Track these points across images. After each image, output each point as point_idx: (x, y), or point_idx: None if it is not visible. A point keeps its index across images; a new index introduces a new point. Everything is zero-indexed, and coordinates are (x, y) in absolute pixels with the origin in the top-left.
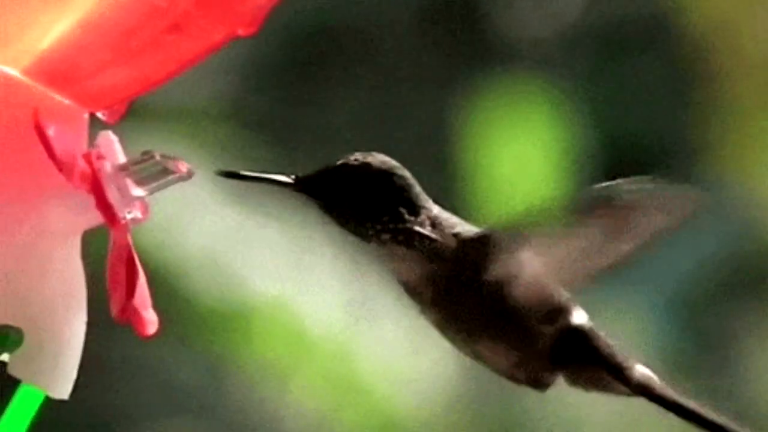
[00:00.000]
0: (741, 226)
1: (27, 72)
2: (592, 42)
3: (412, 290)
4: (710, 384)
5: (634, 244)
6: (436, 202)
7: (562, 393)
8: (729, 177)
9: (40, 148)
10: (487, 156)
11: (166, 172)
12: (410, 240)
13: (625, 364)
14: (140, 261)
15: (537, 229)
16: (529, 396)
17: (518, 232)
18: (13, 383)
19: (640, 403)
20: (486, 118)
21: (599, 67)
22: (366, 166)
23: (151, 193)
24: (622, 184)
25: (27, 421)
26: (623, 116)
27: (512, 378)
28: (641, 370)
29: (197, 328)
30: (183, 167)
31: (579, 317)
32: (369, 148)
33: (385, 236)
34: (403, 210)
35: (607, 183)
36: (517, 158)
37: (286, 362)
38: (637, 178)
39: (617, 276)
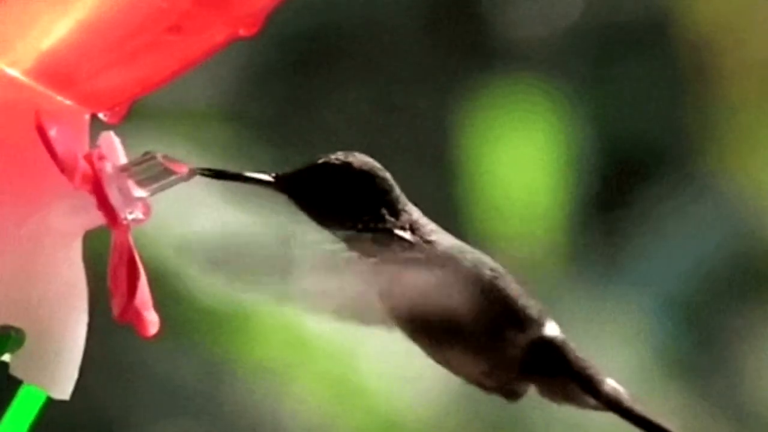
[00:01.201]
0: (741, 226)
1: (28, 73)
2: (592, 42)
3: (384, 293)
4: (710, 384)
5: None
6: (436, 202)
7: None
8: (729, 176)
9: (42, 149)
10: (487, 156)
11: (167, 172)
12: (389, 242)
13: (595, 378)
14: (141, 261)
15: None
16: (528, 396)
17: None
18: (15, 383)
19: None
20: (486, 118)
21: (599, 67)
22: (347, 166)
23: (153, 193)
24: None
25: (28, 421)
26: (623, 116)
27: (481, 386)
28: (611, 384)
29: (197, 329)
30: (184, 168)
31: (551, 329)
32: (368, 149)
33: (365, 236)
34: (383, 211)
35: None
36: (517, 159)
37: (286, 362)
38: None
39: (617, 276)
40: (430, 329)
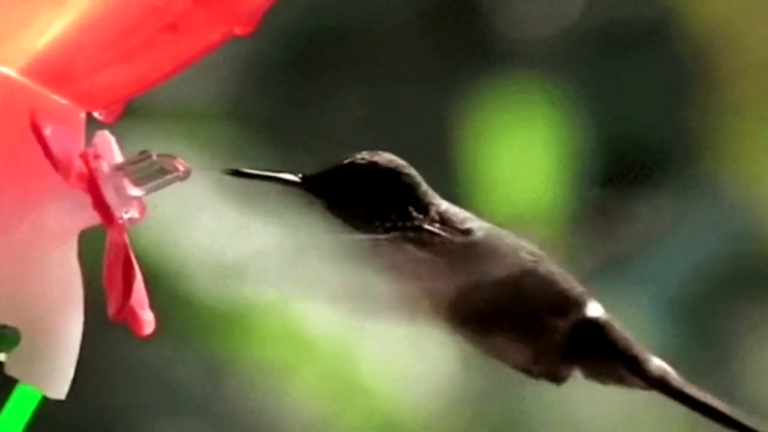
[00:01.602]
0: (741, 226)
1: (24, 72)
2: (592, 42)
3: (423, 288)
4: (710, 384)
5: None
6: None
7: (562, 393)
8: (729, 177)
9: (37, 147)
10: (487, 156)
11: (163, 171)
12: (420, 237)
13: (641, 357)
14: (139, 261)
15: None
16: (529, 396)
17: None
18: (10, 383)
19: (641, 402)
20: (486, 118)
21: (599, 67)
22: (373, 165)
23: (149, 192)
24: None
25: (24, 421)
26: (623, 116)
27: (528, 372)
28: (657, 363)
29: (197, 328)
30: (180, 166)
31: (594, 310)
32: (369, 148)
33: (395, 234)
34: (411, 208)
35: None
36: (517, 158)
37: (286, 362)
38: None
39: (617, 276)
40: (474, 319)
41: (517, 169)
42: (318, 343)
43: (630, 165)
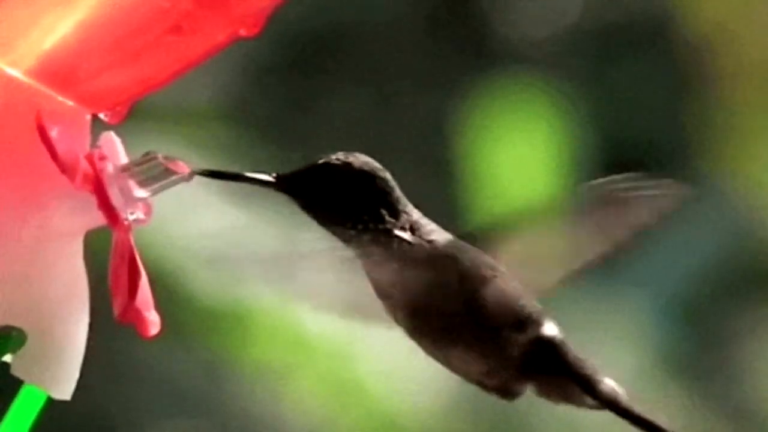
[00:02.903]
0: (741, 226)
1: (29, 73)
2: (592, 42)
3: (384, 293)
4: (710, 384)
5: (622, 238)
6: (435, 202)
7: None
8: (729, 177)
9: (43, 149)
10: (487, 156)
11: (168, 172)
12: (389, 242)
13: (594, 377)
14: (142, 261)
15: (527, 225)
16: (528, 396)
17: (494, 236)
18: (16, 383)
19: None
20: (486, 118)
21: (599, 67)
22: (348, 166)
23: (154, 194)
24: (612, 181)
25: (29, 422)
26: (623, 116)
27: (481, 385)
28: (609, 384)
29: (197, 328)
30: (185, 168)
31: (550, 329)
32: (368, 149)
33: (366, 236)
34: (383, 211)
35: (598, 180)
36: (517, 158)
37: (286, 362)
38: (623, 175)
39: (617, 276)
40: (430, 328)
41: (516, 169)
42: (318, 344)
43: (630, 165)
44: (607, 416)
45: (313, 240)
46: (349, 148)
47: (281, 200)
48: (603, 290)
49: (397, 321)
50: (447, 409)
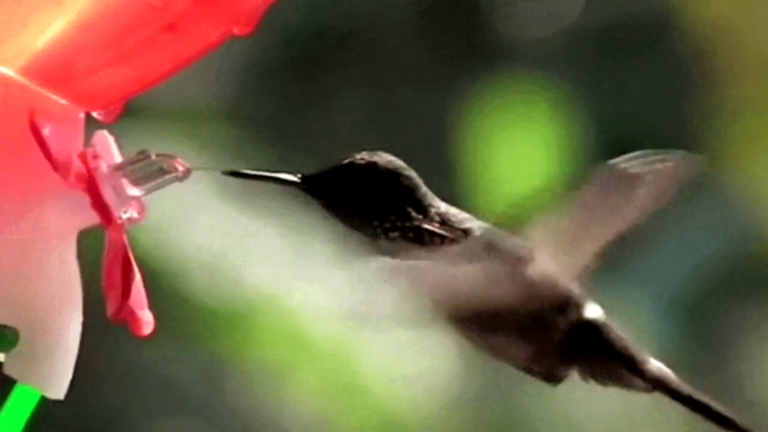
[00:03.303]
0: (741, 226)
1: (23, 72)
2: (592, 42)
3: (424, 288)
4: (710, 384)
5: (637, 216)
6: None
7: (562, 392)
8: (729, 177)
9: (36, 147)
10: (487, 156)
11: (162, 171)
12: (420, 237)
13: (640, 358)
14: (139, 261)
15: (547, 212)
16: (529, 396)
17: (527, 218)
18: (9, 383)
19: (641, 403)
20: (486, 117)
21: (599, 67)
22: (372, 166)
23: (148, 192)
24: (623, 161)
25: (23, 421)
26: (623, 116)
27: (528, 371)
28: (656, 365)
29: (196, 328)
30: (179, 166)
31: (592, 311)
32: (369, 148)
33: (394, 234)
34: (410, 209)
35: (609, 162)
36: (517, 158)
37: (286, 362)
38: (637, 153)
39: (617, 276)
40: (474, 319)
41: (517, 169)
42: (318, 343)
43: None
44: (608, 415)
45: (313, 239)
46: (349, 148)
47: (282, 200)
48: (603, 290)
49: (440, 314)
50: (447, 409)
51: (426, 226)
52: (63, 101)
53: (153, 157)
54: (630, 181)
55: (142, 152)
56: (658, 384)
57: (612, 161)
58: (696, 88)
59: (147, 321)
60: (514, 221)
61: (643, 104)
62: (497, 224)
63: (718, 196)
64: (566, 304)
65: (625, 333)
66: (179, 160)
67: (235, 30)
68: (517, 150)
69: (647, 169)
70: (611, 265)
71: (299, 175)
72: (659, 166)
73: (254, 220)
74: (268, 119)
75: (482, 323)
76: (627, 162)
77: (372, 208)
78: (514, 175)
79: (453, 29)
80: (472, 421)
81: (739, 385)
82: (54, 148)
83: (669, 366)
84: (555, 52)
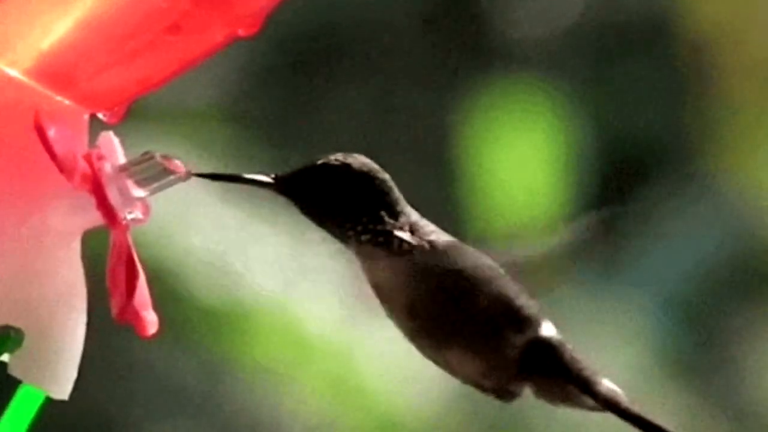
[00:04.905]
0: (741, 226)
1: (28, 73)
2: (592, 42)
3: (384, 294)
4: (710, 384)
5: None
6: (435, 202)
7: None
8: (729, 176)
9: (41, 149)
10: (487, 157)
11: (166, 172)
12: (389, 243)
13: (592, 378)
14: (140, 261)
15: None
16: (528, 396)
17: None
18: (14, 383)
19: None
20: (486, 118)
21: (599, 67)
22: (346, 167)
23: (152, 193)
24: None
25: (27, 421)
26: (623, 116)
27: (478, 387)
28: (608, 385)
29: (197, 329)
30: (181, 168)
31: (548, 329)
32: (368, 148)
33: (365, 237)
34: (382, 212)
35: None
36: (517, 159)
37: (286, 362)
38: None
39: (617, 276)
40: (429, 329)
41: (517, 170)
42: (318, 344)
43: (630, 165)
44: (607, 417)
45: (314, 239)
46: (349, 148)
47: (281, 200)
48: (603, 290)
49: (395, 321)
50: (447, 408)
51: (397, 232)
52: (68, 102)
53: (157, 158)
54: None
55: (146, 153)
56: (608, 405)
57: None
58: (696, 88)
59: (151, 321)
60: (519, 222)
61: (643, 104)
62: (477, 237)
63: (718, 196)
64: (524, 322)
65: (578, 353)
66: (179, 162)
67: (240, 31)
68: (517, 150)
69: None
70: (611, 265)
71: (273, 176)
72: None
73: (254, 220)
74: (268, 119)
75: (437, 335)
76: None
77: (344, 210)
78: (514, 175)
79: (453, 29)
80: (472, 421)
81: (739, 385)
82: (59, 149)
83: (669, 366)
84: (555, 52)
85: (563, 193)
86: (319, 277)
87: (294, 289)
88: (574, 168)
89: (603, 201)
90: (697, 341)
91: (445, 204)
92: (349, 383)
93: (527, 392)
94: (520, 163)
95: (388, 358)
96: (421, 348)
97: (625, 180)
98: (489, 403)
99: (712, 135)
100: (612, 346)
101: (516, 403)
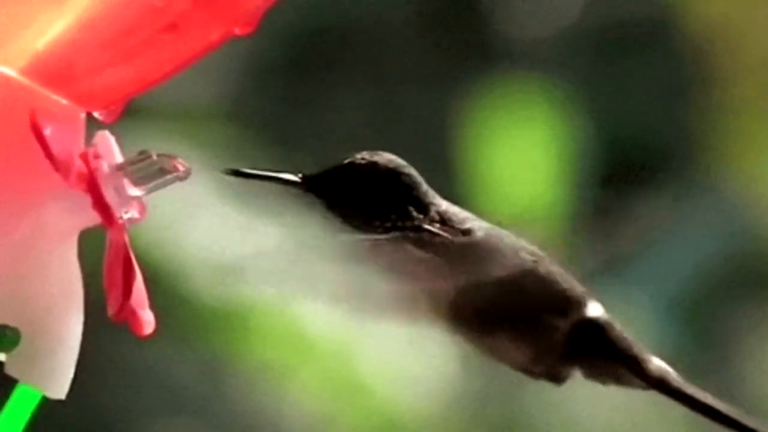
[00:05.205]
0: (741, 226)
1: (24, 72)
2: (592, 42)
3: (422, 288)
4: (710, 384)
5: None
6: None
7: (563, 392)
8: (729, 177)
9: (37, 147)
10: (487, 156)
11: (163, 171)
12: (420, 237)
13: (641, 357)
14: (139, 260)
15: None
16: (529, 395)
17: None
18: (10, 383)
19: (641, 402)
20: (486, 118)
21: (599, 67)
22: (373, 165)
23: (149, 192)
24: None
25: (24, 421)
26: (623, 116)
27: (528, 372)
28: (657, 364)
29: (197, 328)
30: (180, 166)
31: (594, 310)
32: (369, 148)
33: (395, 234)
34: (411, 208)
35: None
36: (517, 158)
37: (286, 362)
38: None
39: (617, 276)
40: (474, 319)
41: (517, 169)
42: (318, 343)
43: (630, 165)
44: (608, 415)
45: (313, 240)
46: (350, 148)
47: (282, 200)
48: (603, 290)
49: (439, 314)
50: (447, 409)
51: (426, 226)
52: (64, 101)
53: (154, 157)
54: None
55: (143, 152)
56: (658, 383)
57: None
58: (696, 88)
59: (148, 321)
60: (519, 222)
61: (643, 104)
62: (502, 225)
63: (718, 196)
64: (568, 304)
65: (627, 332)
66: (180, 160)
67: (236, 30)
68: (517, 150)
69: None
70: (611, 265)
71: (300, 175)
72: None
73: (254, 220)
74: (268, 119)
75: (481, 324)
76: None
77: (373, 208)
78: (514, 175)
79: (453, 29)
80: (472, 421)
81: (739, 385)
82: (55, 148)
83: (669, 366)
84: (555, 52)
85: (563, 193)
86: (319, 277)
87: (294, 289)
88: (574, 168)
89: (603, 201)
90: (697, 341)
91: (446, 202)
92: (349, 383)
93: (532, 390)
94: (520, 162)
95: (388, 358)
96: (467, 338)
97: (624, 180)
98: (489, 403)
99: (713, 135)
100: None
101: (516, 403)
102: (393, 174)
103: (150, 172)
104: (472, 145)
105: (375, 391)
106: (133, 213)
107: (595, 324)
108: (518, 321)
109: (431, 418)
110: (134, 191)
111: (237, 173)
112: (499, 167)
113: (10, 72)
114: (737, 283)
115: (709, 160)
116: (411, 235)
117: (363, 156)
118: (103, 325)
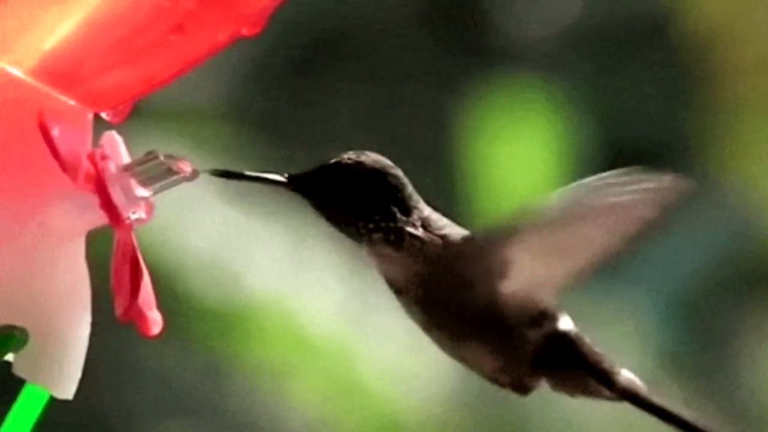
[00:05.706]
0: (741, 226)
1: (31, 72)
2: (592, 42)
3: (399, 290)
4: (710, 384)
5: (624, 238)
6: (436, 201)
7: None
8: (729, 177)
9: (45, 148)
10: (487, 156)
11: (170, 172)
12: (400, 240)
13: (610, 369)
14: (143, 261)
15: (526, 224)
16: (529, 396)
17: (506, 230)
18: (18, 383)
19: None
20: (486, 117)
21: (599, 67)
22: (359, 165)
23: (156, 193)
24: (610, 177)
25: (32, 421)
26: (623, 116)
27: (495, 381)
28: (627, 375)
29: (197, 328)
30: (187, 167)
31: (565, 323)
32: (369, 148)
33: (376, 235)
34: (395, 209)
35: (595, 177)
36: (517, 158)
37: (286, 362)
38: (624, 170)
39: (617, 276)
40: (444, 324)
41: (517, 169)
42: (318, 343)
43: (630, 165)
44: (608, 414)
45: (314, 239)
46: (349, 148)
47: (281, 201)
48: (603, 290)
49: (412, 316)
50: (447, 408)
51: (408, 228)
52: (71, 102)
53: (161, 157)
54: (614, 199)
55: (150, 153)
56: (627, 395)
57: (594, 178)
58: (696, 88)
59: (156, 321)
60: (499, 229)
61: (643, 104)
62: (484, 231)
63: (718, 196)
64: (540, 317)
65: (596, 345)
66: (185, 161)
67: (244, 30)
68: (517, 150)
69: (629, 198)
70: (611, 265)
71: (286, 175)
72: (644, 185)
73: (254, 220)
74: (268, 119)
75: (453, 330)
76: (614, 178)
77: (357, 208)
78: (514, 175)
79: (453, 29)
80: (472, 421)
81: (739, 385)
82: (63, 148)
83: (669, 366)
84: (555, 52)
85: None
86: (319, 277)
87: (294, 289)
88: (574, 167)
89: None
90: (697, 341)
91: (445, 204)
92: (350, 382)
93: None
94: (520, 162)
95: (388, 358)
96: (437, 342)
97: None
98: (489, 403)
99: (713, 135)
100: (612, 346)
101: (516, 403)
102: (379, 174)
103: (157, 172)
104: (472, 144)
105: (375, 391)
106: (140, 213)
107: (565, 336)
108: (490, 329)
109: (431, 418)
110: (141, 192)
111: (224, 174)
112: (499, 167)
113: (18, 73)
114: (737, 283)
115: (708, 160)
116: (391, 237)
117: (349, 156)
118: (103, 325)
